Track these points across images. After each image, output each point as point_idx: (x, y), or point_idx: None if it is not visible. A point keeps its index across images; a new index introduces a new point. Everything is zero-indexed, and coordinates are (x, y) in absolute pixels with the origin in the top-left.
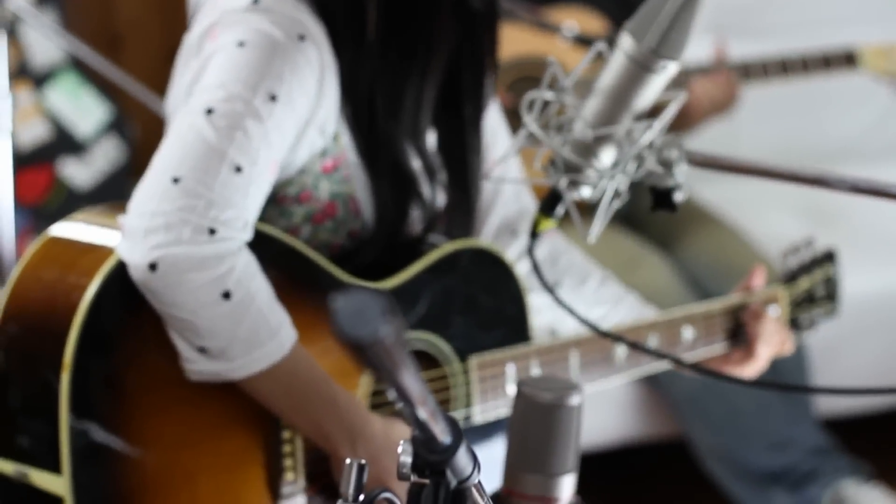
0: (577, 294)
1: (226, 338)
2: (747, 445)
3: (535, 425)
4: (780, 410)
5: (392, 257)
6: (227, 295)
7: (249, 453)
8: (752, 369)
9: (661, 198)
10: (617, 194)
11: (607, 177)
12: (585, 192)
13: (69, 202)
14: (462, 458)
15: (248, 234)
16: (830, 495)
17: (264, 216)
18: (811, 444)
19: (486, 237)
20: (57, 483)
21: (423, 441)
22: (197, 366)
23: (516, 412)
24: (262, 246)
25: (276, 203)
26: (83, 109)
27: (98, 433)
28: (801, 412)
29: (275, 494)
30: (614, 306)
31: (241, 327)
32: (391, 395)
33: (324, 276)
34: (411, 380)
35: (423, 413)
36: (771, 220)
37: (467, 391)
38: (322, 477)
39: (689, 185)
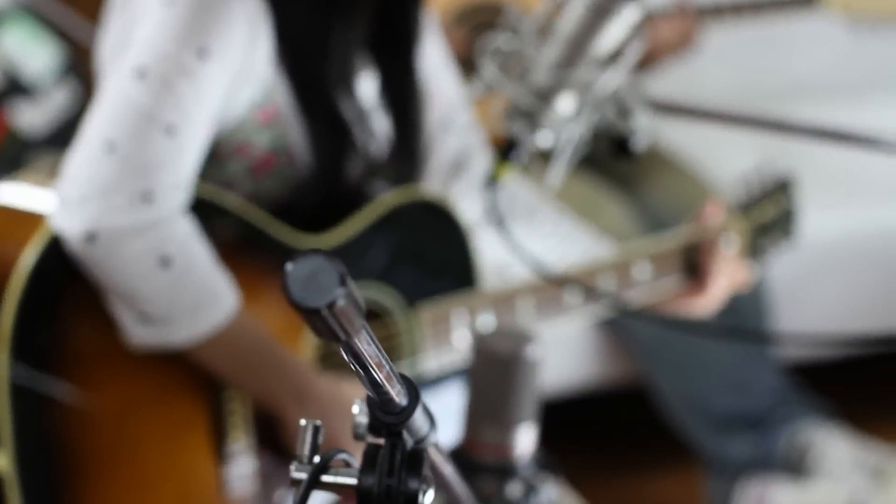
0: (530, 228)
1: (167, 305)
2: (707, 387)
3: (494, 379)
4: (740, 351)
5: (334, 208)
6: (166, 261)
7: (194, 418)
8: (707, 304)
9: (620, 145)
10: (575, 142)
11: (566, 124)
12: (544, 140)
13: (23, 149)
14: (419, 418)
15: (184, 196)
16: (790, 437)
17: (203, 172)
18: (771, 385)
19: (432, 175)
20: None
21: (378, 403)
22: (138, 334)
23: (474, 366)
24: (199, 207)
25: (214, 158)
26: (36, 54)
27: (39, 407)
28: (760, 354)
29: (222, 457)
30: (566, 241)
31: (183, 293)
32: (346, 359)
33: (264, 235)
34: (367, 344)
35: (378, 376)
36: (732, 161)
37: (415, 341)
38: (270, 438)
39: (651, 129)
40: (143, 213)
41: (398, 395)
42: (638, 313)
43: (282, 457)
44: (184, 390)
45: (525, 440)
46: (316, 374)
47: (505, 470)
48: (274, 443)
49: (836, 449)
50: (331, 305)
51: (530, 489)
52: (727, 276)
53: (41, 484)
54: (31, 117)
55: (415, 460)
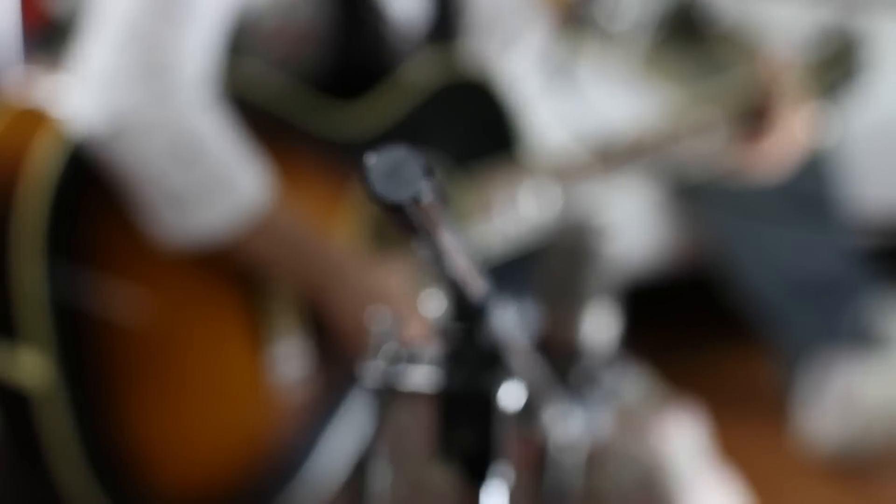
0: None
1: (195, 192)
2: (776, 253)
3: (560, 267)
4: (808, 224)
5: (364, 74)
6: (189, 150)
7: (238, 320)
8: (774, 154)
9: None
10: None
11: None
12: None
13: (59, 35)
14: (497, 311)
15: (205, 86)
16: (858, 310)
17: (226, 61)
18: (838, 256)
19: (470, 32)
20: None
21: (457, 297)
22: (167, 225)
23: (540, 254)
24: (224, 96)
25: (235, 48)
26: None
27: (79, 320)
28: (828, 226)
29: (269, 358)
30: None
31: (208, 178)
32: (425, 254)
33: (292, 117)
34: (450, 237)
35: (459, 270)
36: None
37: (464, 214)
38: (317, 335)
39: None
40: (166, 104)
41: (477, 290)
42: (703, 183)
43: (330, 350)
44: (225, 294)
45: (594, 327)
46: (359, 259)
47: (570, 358)
48: (322, 338)
49: None
50: (416, 198)
51: (593, 378)
52: (792, 124)
53: (85, 399)
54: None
55: (496, 352)
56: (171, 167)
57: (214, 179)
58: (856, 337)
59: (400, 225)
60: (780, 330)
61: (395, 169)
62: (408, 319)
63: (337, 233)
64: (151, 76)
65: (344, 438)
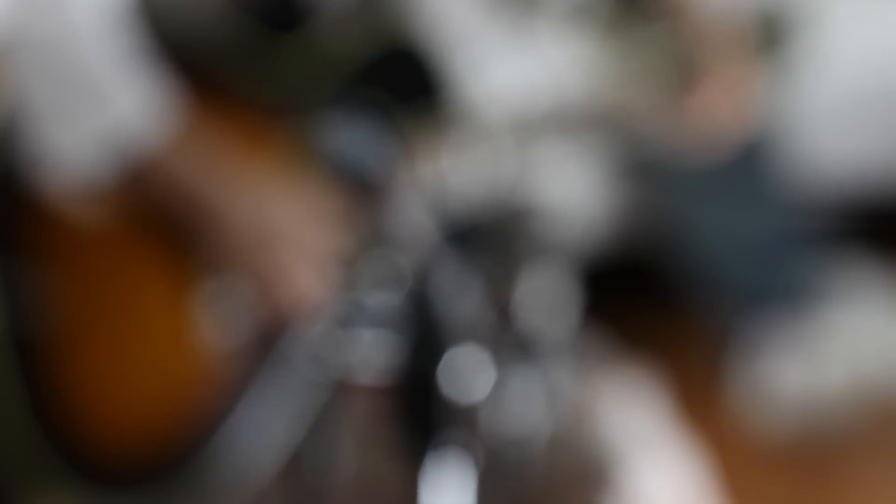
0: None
1: (66, 107)
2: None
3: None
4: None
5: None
6: (66, 65)
7: (166, 278)
8: (711, 105)
9: None
10: None
11: None
12: None
13: None
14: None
15: (105, 11)
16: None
17: None
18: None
19: None
20: None
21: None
22: (50, 144)
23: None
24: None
25: None
26: None
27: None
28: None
29: (195, 305)
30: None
31: (79, 94)
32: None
33: (222, 49)
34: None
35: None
36: None
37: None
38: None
39: None
40: (48, 19)
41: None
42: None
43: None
44: (151, 249)
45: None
46: (277, 194)
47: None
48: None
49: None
50: (378, 174)
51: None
52: (727, 76)
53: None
54: None
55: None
56: (48, 81)
57: (87, 96)
58: (791, 298)
59: (360, 196)
60: (716, 297)
61: (358, 143)
62: (298, 266)
63: (262, 168)
64: None
65: (278, 413)
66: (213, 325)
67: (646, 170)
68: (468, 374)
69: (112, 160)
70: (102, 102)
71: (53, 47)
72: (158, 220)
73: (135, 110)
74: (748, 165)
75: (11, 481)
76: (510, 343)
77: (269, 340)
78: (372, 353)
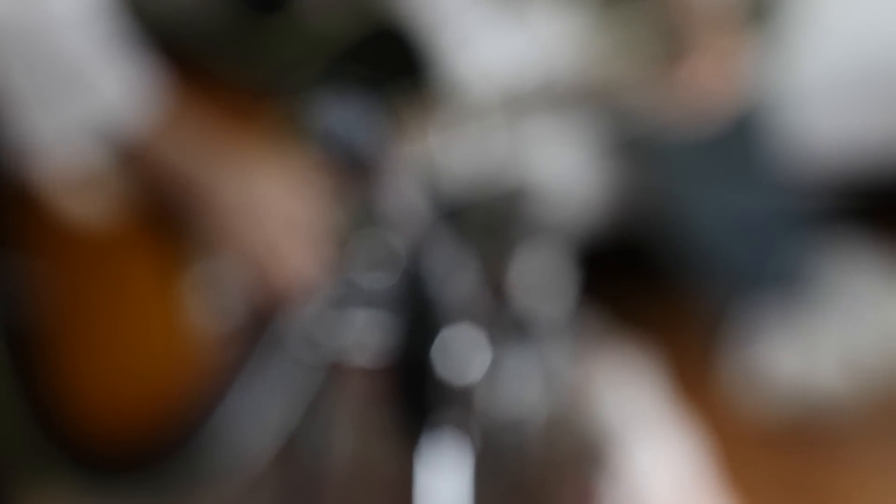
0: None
1: (48, 94)
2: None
3: (492, 228)
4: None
5: None
6: (47, 52)
7: (154, 250)
8: (699, 76)
9: None
10: None
11: None
12: None
13: None
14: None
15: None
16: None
17: None
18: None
19: None
20: None
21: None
22: (33, 131)
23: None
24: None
25: None
26: None
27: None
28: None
29: (184, 289)
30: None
31: (62, 80)
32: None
33: (209, 33)
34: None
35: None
36: None
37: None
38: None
39: None
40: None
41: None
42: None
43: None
44: (142, 234)
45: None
46: (267, 175)
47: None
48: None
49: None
50: (373, 154)
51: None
52: (715, 47)
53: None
54: None
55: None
56: (30, 68)
57: (70, 83)
58: (785, 278)
59: (352, 175)
60: (710, 278)
61: (349, 122)
62: (290, 247)
63: (251, 149)
64: None
65: (271, 396)
66: (205, 308)
67: (636, 146)
68: (463, 354)
69: (98, 146)
70: (86, 89)
71: (35, 34)
72: (148, 205)
73: (119, 96)
74: (739, 142)
75: (5, 469)
76: (505, 323)
77: (261, 323)
78: (366, 335)
